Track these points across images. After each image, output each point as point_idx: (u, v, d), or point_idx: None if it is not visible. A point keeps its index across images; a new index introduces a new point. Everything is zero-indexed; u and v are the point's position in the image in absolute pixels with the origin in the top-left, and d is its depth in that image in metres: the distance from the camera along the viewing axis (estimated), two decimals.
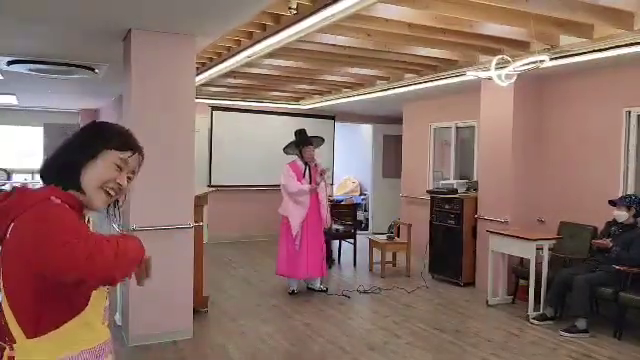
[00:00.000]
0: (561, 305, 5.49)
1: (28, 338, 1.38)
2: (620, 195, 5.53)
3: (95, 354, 1.50)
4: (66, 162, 1.53)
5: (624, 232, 5.29)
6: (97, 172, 1.53)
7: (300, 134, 6.59)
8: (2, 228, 1.40)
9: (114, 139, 1.59)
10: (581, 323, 5.13)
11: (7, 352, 1.40)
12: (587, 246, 5.70)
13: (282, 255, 6.42)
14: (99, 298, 1.53)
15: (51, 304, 1.39)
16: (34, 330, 1.38)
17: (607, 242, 5.29)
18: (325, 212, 6.45)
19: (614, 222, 5.40)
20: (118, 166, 1.56)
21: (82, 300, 1.46)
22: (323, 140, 6.92)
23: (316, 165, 6.47)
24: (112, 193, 1.56)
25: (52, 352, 1.41)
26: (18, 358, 1.39)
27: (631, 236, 5.22)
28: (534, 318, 5.43)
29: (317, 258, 6.32)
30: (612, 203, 5.39)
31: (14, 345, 1.38)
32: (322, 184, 6.40)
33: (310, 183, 6.34)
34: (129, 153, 1.61)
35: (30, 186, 1.55)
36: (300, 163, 6.45)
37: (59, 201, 1.43)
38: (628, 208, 5.28)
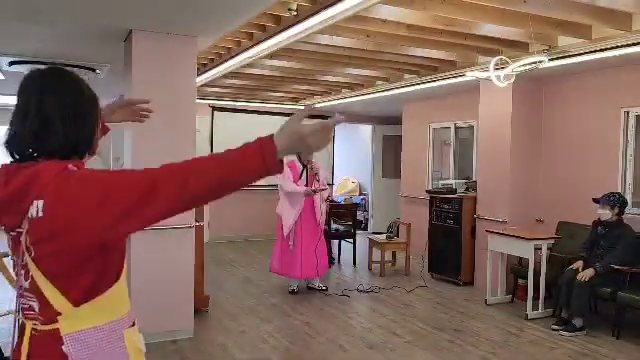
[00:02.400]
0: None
1: (76, 306, 1.36)
2: (605, 193, 5.46)
3: (130, 321, 1.53)
4: (91, 133, 1.47)
5: (610, 231, 5.32)
6: (99, 127, 1.53)
7: None
8: (20, 211, 1.33)
9: (95, 95, 1.52)
10: (578, 322, 5.15)
11: (37, 326, 1.39)
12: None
13: (276, 253, 6.47)
14: (125, 266, 1.53)
15: (96, 268, 1.38)
16: (83, 297, 1.37)
17: (589, 271, 5.16)
18: (320, 214, 6.45)
19: (600, 221, 5.43)
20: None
21: (120, 265, 1.46)
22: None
23: (312, 167, 6.48)
24: None
25: (99, 318, 1.41)
26: (66, 327, 1.38)
27: (617, 233, 5.26)
28: (555, 324, 5.30)
29: (311, 259, 6.32)
30: (596, 201, 5.42)
31: (59, 317, 1.36)
32: (317, 186, 6.40)
33: (307, 185, 6.36)
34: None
35: (12, 164, 1.40)
36: (298, 163, 6.46)
37: (76, 168, 1.36)
38: (612, 207, 5.30)
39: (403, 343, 4.88)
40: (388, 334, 5.11)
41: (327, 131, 1.40)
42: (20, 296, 1.42)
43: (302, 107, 10.30)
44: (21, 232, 1.35)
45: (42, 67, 1.48)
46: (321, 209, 6.49)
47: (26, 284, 1.39)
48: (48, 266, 1.34)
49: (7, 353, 3.97)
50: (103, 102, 1.85)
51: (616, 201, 5.31)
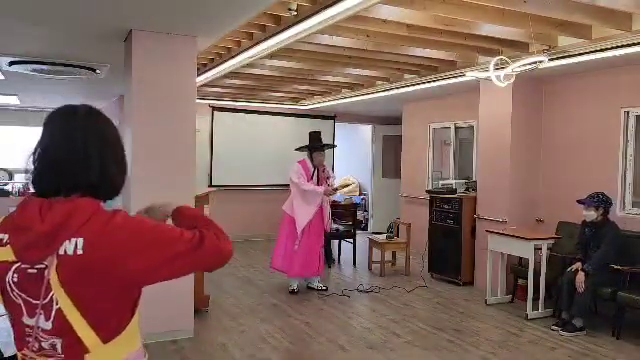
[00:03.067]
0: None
1: (105, 343, 1.37)
2: (590, 194, 5.46)
3: (143, 352, 1.54)
4: (125, 172, 1.51)
5: (597, 231, 5.34)
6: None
7: (313, 137, 6.63)
8: (54, 247, 1.30)
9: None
10: (579, 322, 5.16)
11: None
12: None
13: (279, 250, 6.48)
14: None
15: (125, 307, 1.42)
16: (112, 334, 1.38)
17: (582, 277, 5.16)
18: (327, 216, 6.54)
19: (586, 222, 5.45)
20: None
21: (138, 299, 1.48)
22: (334, 146, 7.04)
23: (324, 170, 6.55)
24: None
25: (121, 352, 1.42)
26: None
27: (602, 233, 5.28)
28: (555, 325, 5.30)
29: (314, 259, 6.38)
30: (580, 202, 5.43)
31: (86, 355, 1.35)
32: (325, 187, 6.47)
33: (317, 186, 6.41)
34: None
35: (42, 198, 1.37)
36: (309, 164, 6.49)
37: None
38: (596, 208, 5.32)
39: (403, 343, 4.88)
40: (388, 334, 5.11)
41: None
42: (27, 336, 1.37)
43: (302, 107, 10.32)
44: (43, 268, 1.31)
45: (74, 105, 1.49)
46: (329, 212, 6.60)
47: (47, 324, 1.34)
48: (84, 303, 1.33)
49: (7, 353, 3.97)
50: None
51: (600, 201, 5.33)
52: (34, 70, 6.13)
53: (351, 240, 8.31)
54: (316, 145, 6.55)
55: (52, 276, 1.30)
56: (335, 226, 8.11)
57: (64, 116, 1.44)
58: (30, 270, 1.33)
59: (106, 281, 1.32)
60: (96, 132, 1.43)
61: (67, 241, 1.30)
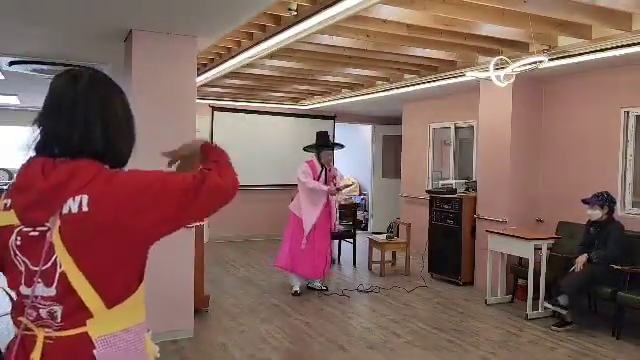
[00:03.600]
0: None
1: (109, 308, 1.32)
2: (594, 193, 5.47)
3: (147, 325, 1.49)
4: (131, 142, 1.53)
5: (602, 230, 5.35)
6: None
7: (320, 137, 6.64)
8: (56, 206, 1.28)
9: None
10: (564, 299, 5.20)
11: (51, 333, 1.32)
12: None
13: (284, 249, 6.47)
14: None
15: (131, 270, 1.38)
16: (117, 298, 1.34)
17: (584, 257, 5.27)
18: (334, 216, 6.55)
19: (592, 221, 5.46)
20: None
21: (145, 265, 1.44)
22: (343, 146, 7.02)
23: (331, 170, 6.55)
24: None
25: (128, 320, 1.38)
26: (97, 330, 1.32)
27: (607, 231, 5.30)
28: (555, 325, 5.30)
29: (321, 260, 6.36)
30: (585, 202, 5.43)
31: (88, 321, 1.31)
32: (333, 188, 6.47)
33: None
34: None
35: (56, 159, 1.34)
36: (317, 164, 6.49)
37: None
38: (601, 206, 5.33)
39: (403, 343, 4.88)
40: (388, 334, 5.11)
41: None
42: (25, 306, 1.32)
43: (302, 107, 10.32)
44: (45, 230, 1.29)
45: (78, 69, 1.45)
46: (336, 214, 6.61)
47: (49, 290, 1.30)
48: (88, 264, 1.29)
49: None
50: None
51: (605, 200, 5.34)
52: (34, 70, 6.12)
53: (351, 240, 8.30)
54: (323, 144, 6.55)
55: (55, 238, 1.28)
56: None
57: (66, 83, 1.39)
58: (32, 233, 1.31)
59: (113, 239, 1.29)
60: (98, 100, 1.39)
61: (71, 199, 1.28)
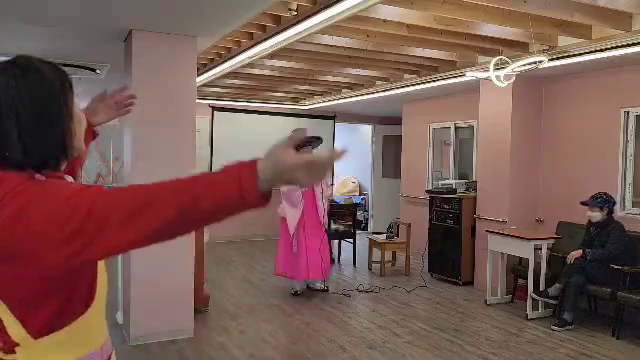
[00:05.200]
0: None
1: (35, 338, 1.20)
2: (593, 195, 5.47)
3: (103, 356, 1.36)
4: (61, 135, 1.23)
5: (602, 230, 5.36)
6: (81, 125, 1.32)
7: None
8: None
9: (67, 82, 1.27)
10: (569, 316, 5.24)
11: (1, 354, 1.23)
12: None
13: (280, 255, 6.46)
14: (102, 289, 1.32)
15: (63, 300, 1.22)
16: (44, 329, 1.21)
17: (578, 252, 5.34)
18: (322, 213, 6.43)
19: (591, 223, 5.47)
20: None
21: (89, 296, 1.28)
22: (321, 140, 6.87)
23: None
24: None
25: (61, 353, 1.24)
26: None
27: (607, 231, 5.31)
28: (555, 325, 5.31)
29: (316, 260, 6.32)
30: (584, 204, 5.44)
31: (17, 348, 1.21)
32: (318, 185, 6.38)
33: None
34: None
35: None
36: None
37: (44, 178, 1.19)
38: (600, 208, 5.33)
39: (403, 343, 4.88)
40: (388, 334, 5.11)
41: (321, 167, 1.12)
42: None
43: (302, 107, 10.32)
44: None
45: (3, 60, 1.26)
46: (323, 208, 6.45)
47: None
48: (5, 289, 1.16)
49: None
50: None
51: (604, 202, 5.34)
52: None
53: (351, 240, 8.30)
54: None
55: None
56: (335, 226, 8.10)
57: None
58: None
59: (24, 263, 1.12)
60: (9, 101, 1.18)
61: None
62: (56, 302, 1.20)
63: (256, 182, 1.06)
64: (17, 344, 1.21)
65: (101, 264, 1.33)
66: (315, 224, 6.37)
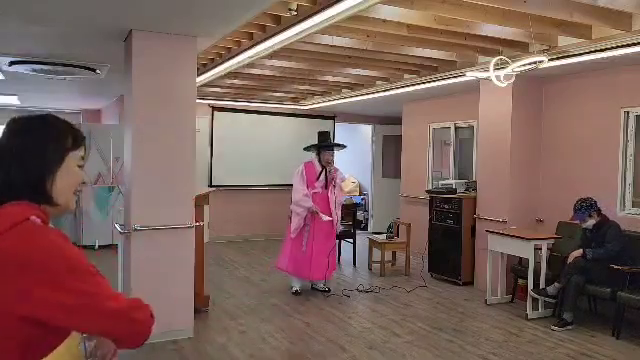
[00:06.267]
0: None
1: None
2: (574, 207, 5.47)
3: None
4: (35, 177, 1.36)
5: (598, 231, 5.38)
6: (69, 179, 1.42)
7: (321, 136, 6.59)
8: None
9: (70, 140, 1.44)
10: (569, 316, 5.24)
11: None
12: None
13: (285, 251, 6.46)
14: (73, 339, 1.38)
15: (32, 348, 1.25)
16: None
17: (579, 252, 5.36)
18: (337, 219, 6.46)
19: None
20: (80, 166, 1.47)
21: (51, 349, 1.30)
22: (344, 146, 6.89)
23: (334, 170, 6.46)
24: (79, 191, 1.49)
25: None
26: None
27: (603, 231, 5.33)
28: (555, 325, 5.31)
29: (323, 262, 6.31)
30: (574, 220, 5.48)
31: None
32: (333, 189, 6.41)
33: (326, 187, 6.36)
34: (83, 148, 1.49)
35: None
36: (317, 165, 6.44)
37: (40, 221, 1.30)
38: (590, 215, 5.35)
39: (403, 343, 4.88)
40: (388, 334, 5.11)
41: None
42: None
43: (302, 107, 10.32)
44: None
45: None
46: (337, 212, 6.47)
47: None
48: None
49: None
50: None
51: (590, 208, 5.37)
52: (34, 70, 6.12)
53: (351, 240, 8.30)
54: (324, 144, 6.49)
55: None
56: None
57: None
58: None
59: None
60: (6, 140, 1.40)
61: None
62: (15, 352, 1.22)
63: None
64: None
65: None
66: (328, 227, 6.36)
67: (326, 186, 6.39)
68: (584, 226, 5.44)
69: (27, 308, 1.19)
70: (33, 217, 1.29)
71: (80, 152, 1.47)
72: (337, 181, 6.49)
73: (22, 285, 1.19)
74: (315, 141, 6.64)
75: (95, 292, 1.27)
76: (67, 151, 1.42)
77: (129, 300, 1.36)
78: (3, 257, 1.21)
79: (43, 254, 1.23)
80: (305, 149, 6.72)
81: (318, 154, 6.43)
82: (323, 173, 6.39)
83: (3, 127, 1.44)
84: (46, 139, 1.40)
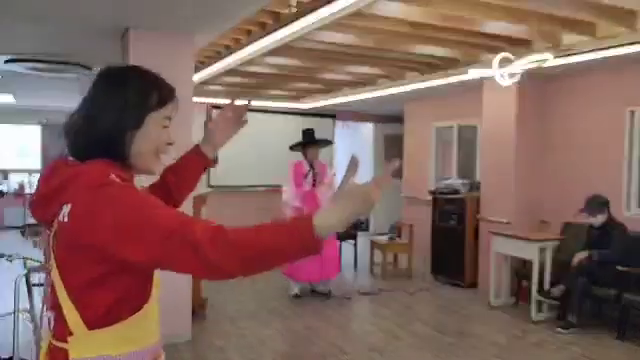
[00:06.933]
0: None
1: (89, 329, 1.25)
2: (587, 200, 5.35)
3: (152, 354, 1.46)
4: (111, 134, 1.31)
5: (604, 232, 5.29)
6: (150, 138, 1.37)
7: (306, 133, 6.54)
8: (53, 210, 1.26)
9: (154, 97, 1.39)
10: (573, 318, 5.17)
11: (51, 345, 1.31)
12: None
13: None
14: (157, 289, 1.44)
15: (117, 295, 1.27)
16: (98, 321, 1.26)
17: (584, 253, 5.26)
18: None
19: (592, 226, 5.40)
20: (165, 126, 1.42)
21: (143, 295, 1.36)
22: (330, 142, 6.86)
23: (322, 167, 6.41)
24: (164, 153, 1.45)
25: (111, 348, 1.28)
26: (73, 352, 1.26)
27: (609, 233, 5.24)
28: (560, 328, 5.23)
29: (316, 263, 6.22)
30: (583, 211, 5.34)
31: (69, 338, 1.25)
32: (322, 188, 6.34)
33: (314, 185, 6.32)
34: (171, 105, 1.43)
35: (70, 159, 1.33)
36: (305, 163, 6.41)
37: (119, 180, 1.27)
38: (601, 211, 5.26)
39: (405, 346, 4.81)
40: (390, 337, 5.03)
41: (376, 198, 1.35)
42: (44, 305, 1.36)
43: (302, 105, 10.24)
44: (50, 233, 1.30)
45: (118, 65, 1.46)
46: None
47: (48, 291, 1.35)
48: (69, 278, 1.25)
49: (3, 355, 3.90)
50: None
51: (602, 204, 5.28)
52: (30, 68, 6.07)
53: (352, 242, 8.22)
54: (309, 141, 6.45)
55: (52, 243, 1.28)
56: None
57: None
58: (47, 231, 1.33)
59: (88, 258, 1.21)
60: (95, 93, 1.37)
61: (64, 205, 1.23)
62: (111, 295, 1.26)
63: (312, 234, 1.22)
64: (71, 333, 1.25)
65: None
66: None
67: (314, 184, 6.33)
68: (592, 221, 5.32)
69: (88, 237, 1.20)
70: (112, 175, 1.26)
71: (166, 111, 1.41)
72: (325, 178, 6.40)
73: (88, 223, 1.19)
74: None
75: (147, 209, 1.22)
76: (149, 110, 1.36)
77: (193, 221, 1.22)
78: (90, 213, 1.20)
79: (111, 207, 1.19)
80: (291, 148, 6.65)
81: (304, 152, 6.41)
82: (311, 172, 6.36)
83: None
84: (125, 94, 1.35)
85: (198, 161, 1.74)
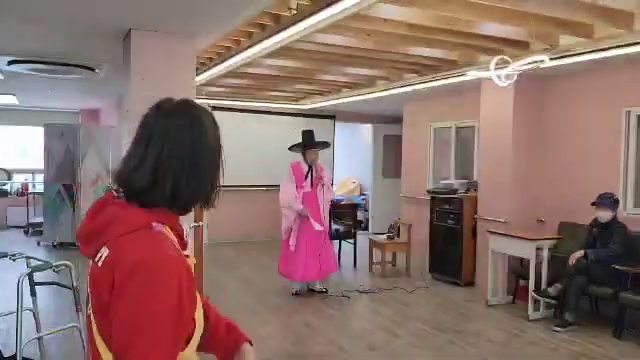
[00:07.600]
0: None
1: None
2: (600, 195, 5.42)
3: None
4: (205, 190, 1.37)
5: (605, 231, 5.34)
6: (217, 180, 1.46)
7: (305, 135, 6.56)
8: (92, 248, 1.23)
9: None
10: (570, 316, 5.21)
11: None
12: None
13: (282, 255, 6.44)
14: (200, 325, 1.41)
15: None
16: None
17: (580, 253, 5.32)
18: (323, 217, 6.42)
19: (594, 223, 5.44)
20: None
21: (189, 332, 1.33)
22: (328, 145, 6.88)
23: (320, 169, 6.44)
24: None
25: None
26: None
27: (610, 232, 5.29)
28: (557, 326, 5.27)
29: (314, 262, 6.28)
30: (595, 204, 5.39)
31: None
32: (321, 187, 6.39)
33: (312, 186, 6.35)
34: None
35: (116, 195, 1.28)
36: (304, 165, 6.43)
37: (161, 227, 1.24)
38: (611, 208, 5.31)
39: (404, 344, 4.85)
40: (389, 335, 5.08)
41: None
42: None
43: (302, 106, 10.28)
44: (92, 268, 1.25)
45: (172, 101, 1.36)
46: (324, 210, 6.45)
47: (87, 335, 1.28)
48: (99, 316, 1.22)
49: (6, 353, 3.94)
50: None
51: (615, 201, 5.34)
52: (33, 70, 6.10)
53: (351, 241, 8.27)
54: (308, 143, 6.47)
55: (89, 282, 1.25)
56: (335, 226, 8.07)
57: (148, 114, 1.33)
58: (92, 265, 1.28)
59: (106, 307, 1.18)
60: (166, 133, 1.28)
61: (103, 246, 1.21)
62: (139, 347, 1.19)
63: None
64: None
65: (199, 299, 1.41)
66: (317, 229, 6.34)
67: (312, 184, 6.37)
68: (601, 216, 5.34)
69: (106, 297, 1.17)
70: (154, 223, 1.23)
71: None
72: (324, 179, 6.44)
73: (113, 278, 1.16)
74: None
75: (146, 323, 1.14)
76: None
77: None
78: (115, 264, 1.17)
79: (135, 300, 1.15)
80: (290, 149, 6.69)
81: (303, 154, 6.43)
82: (310, 173, 6.38)
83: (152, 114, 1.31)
84: (213, 141, 1.46)
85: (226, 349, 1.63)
